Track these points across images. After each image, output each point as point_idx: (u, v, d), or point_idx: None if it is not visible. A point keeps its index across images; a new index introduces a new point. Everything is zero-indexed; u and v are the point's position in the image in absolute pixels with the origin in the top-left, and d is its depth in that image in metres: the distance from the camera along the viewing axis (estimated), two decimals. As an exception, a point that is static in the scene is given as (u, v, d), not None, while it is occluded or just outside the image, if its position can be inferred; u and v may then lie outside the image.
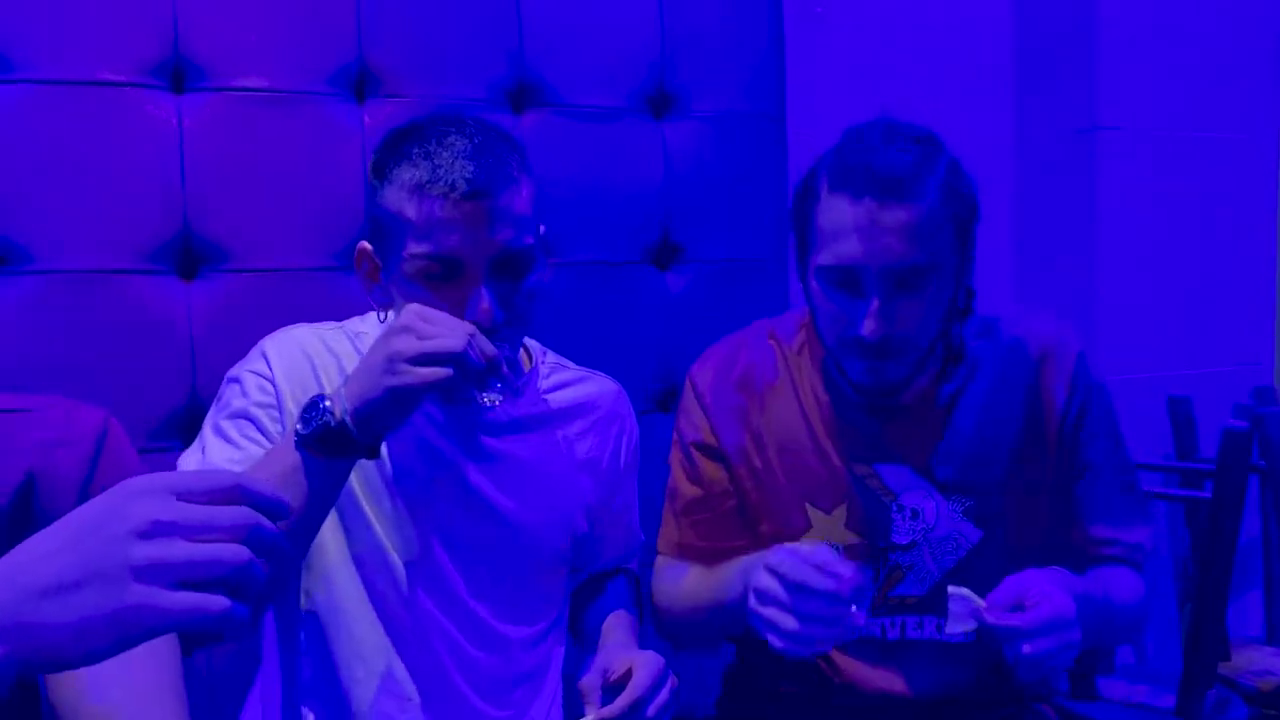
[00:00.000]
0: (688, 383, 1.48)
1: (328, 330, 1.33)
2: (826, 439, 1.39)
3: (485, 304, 1.17)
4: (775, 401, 1.42)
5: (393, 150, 1.21)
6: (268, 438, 1.24)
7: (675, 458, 1.49)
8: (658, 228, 1.87)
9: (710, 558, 1.42)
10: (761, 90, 1.94)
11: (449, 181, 1.15)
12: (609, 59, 1.82)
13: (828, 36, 1.98)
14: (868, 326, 1.25)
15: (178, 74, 1.58)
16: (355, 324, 1.35)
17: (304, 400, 1.17)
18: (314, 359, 1.28)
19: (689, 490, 1.45)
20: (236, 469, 1.19)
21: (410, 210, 1.17)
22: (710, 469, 1.44)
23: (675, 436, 1.50)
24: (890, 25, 2.06)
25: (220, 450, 1.22)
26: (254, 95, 1.62)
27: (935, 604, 1.36)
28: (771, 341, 1.45)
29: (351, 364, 1.24)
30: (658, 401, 1.89)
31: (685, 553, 1.46)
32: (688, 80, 1.88)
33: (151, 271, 1.56)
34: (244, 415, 1.24)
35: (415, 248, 1.17)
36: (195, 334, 1.58)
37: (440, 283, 1.18)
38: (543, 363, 1.41)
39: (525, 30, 1.77)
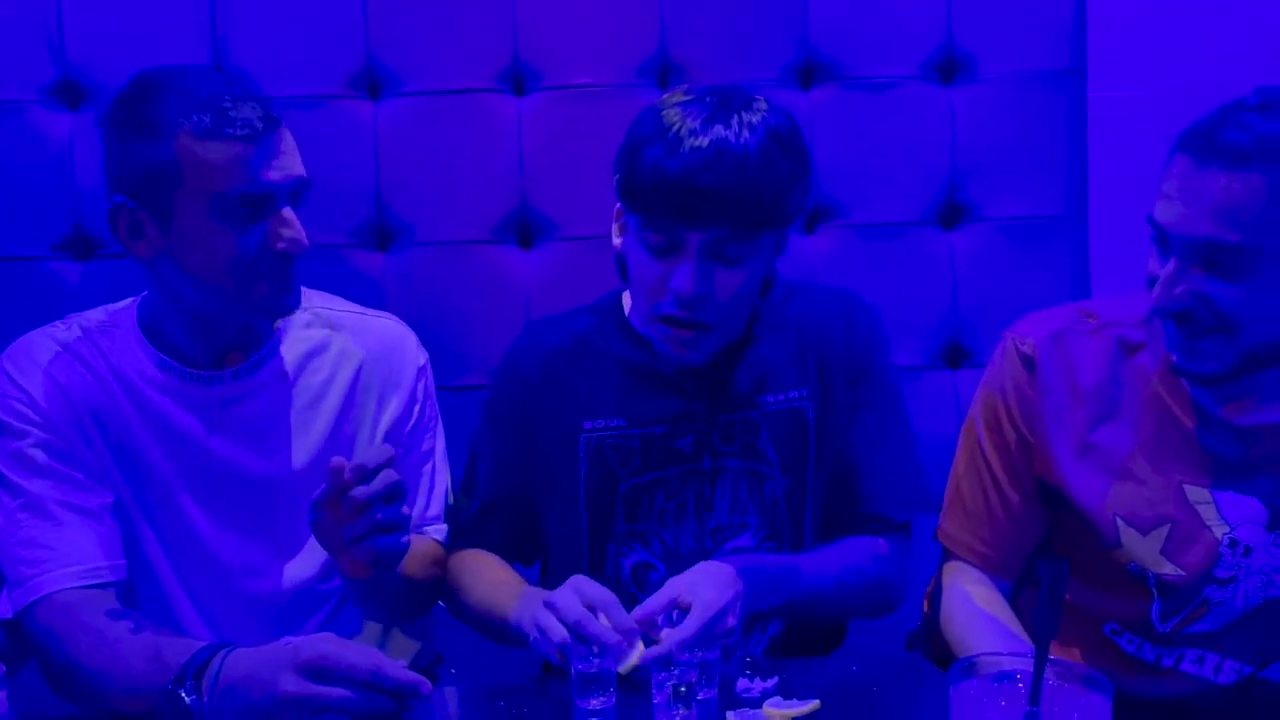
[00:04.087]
0: (1010, 345, 1.36)
1: (60, 330, 1.36)
2: (1157, 451, 1.29)
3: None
4: (1099, 400, 1.32)
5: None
6: (63, 464, 1.30)
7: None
8: (943, 189, 1.95)
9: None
10: (1060, 47, 1.93)
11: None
12: (894, 32, 1.92)
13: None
14: None
15: (518, 78, 1.93)
16: (92, 316, 1.38)
17: (59, 408, 1.29)
18: (51, 368, 1.32)
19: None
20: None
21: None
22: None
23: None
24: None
25: (32, 523, 1.27)
26: (581, 91, 1.93)
27: (1222, 642, 1.32)
28: (1097, 334, 1.34)
29: (89, 365, 1.32)
30: (943, 357, 1.99)
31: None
32: (978, 44, 1.93)
33: (497, 241, 1.95)
34: (23, 463, 1.29)
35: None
36: (530, 293, 1.94)
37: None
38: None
39: (811, 14, 1.92)
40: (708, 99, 1.30)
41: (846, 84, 1.93)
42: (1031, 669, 0.88)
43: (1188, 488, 1.29)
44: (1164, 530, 1.28)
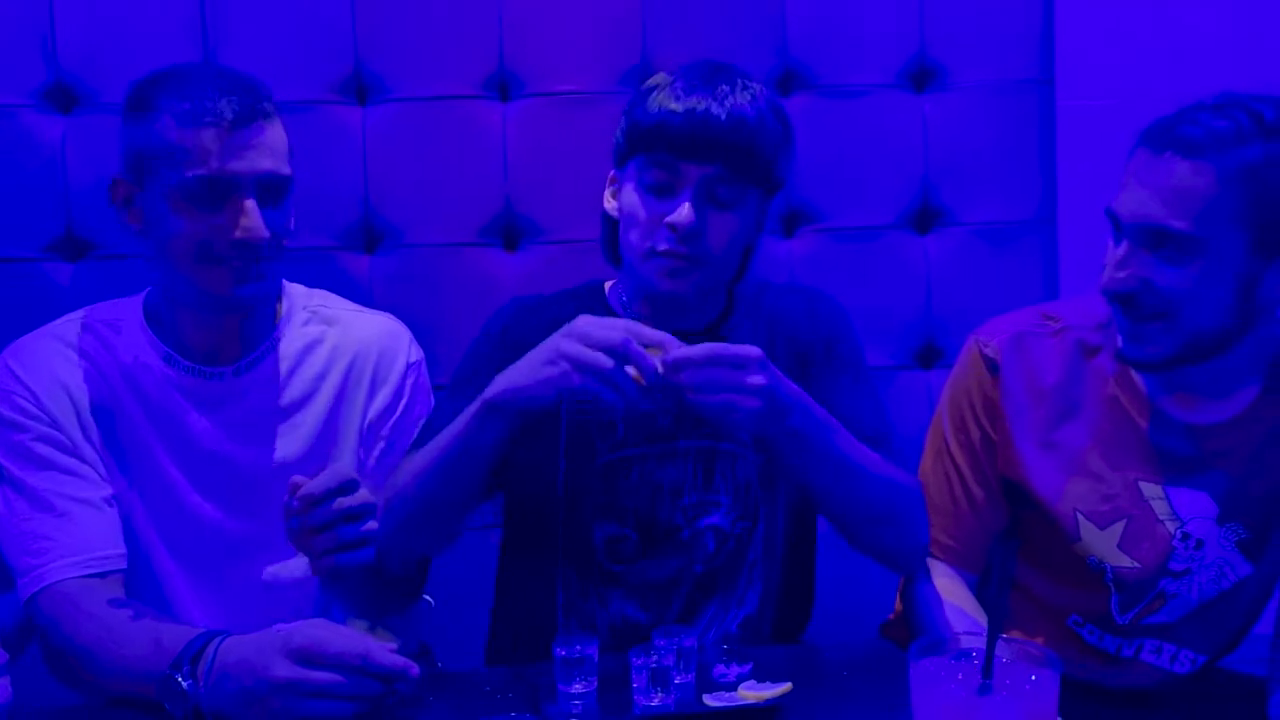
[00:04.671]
0: (974, 347, 1.42)
1: (63, 327, 1.40)
2: (1113, 449, 1.34)
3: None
4: (1059, 400, 1.37)
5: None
6: (64, 457, 1.34)
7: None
8: (918, 194, 2.01)
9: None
10: (1029, 57, 1.99)
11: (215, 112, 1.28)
12: (870, 42, 1.98)
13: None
14: None
15: (503, 85, 1.98)
16: (97, 311, 1.42)
17: (61, 403, 1.33)
18: (52, 364, 1.36)
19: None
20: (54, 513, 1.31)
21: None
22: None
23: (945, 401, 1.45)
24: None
25: (36, 515, 1.31)
26: (564, 98, 1.97)
27: (1179, 633, 1.37)
28: (1058, 336, 1.39)
29: (92, 359, 1.35)
30: (918, 357, 2.05)
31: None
32: (950, 54, 1.99)
33: (482, 244, 1.99)
34: (25, 457, 1.33)
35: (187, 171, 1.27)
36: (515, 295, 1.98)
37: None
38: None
39: (790, 24, 1.97)
40: (708, 67, 1.41)
41: (823, 92, 1.99)
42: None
43: (1142, 484, 1.34)
44: (1120, 525, 1.34)
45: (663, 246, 1.36)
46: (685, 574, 1.42)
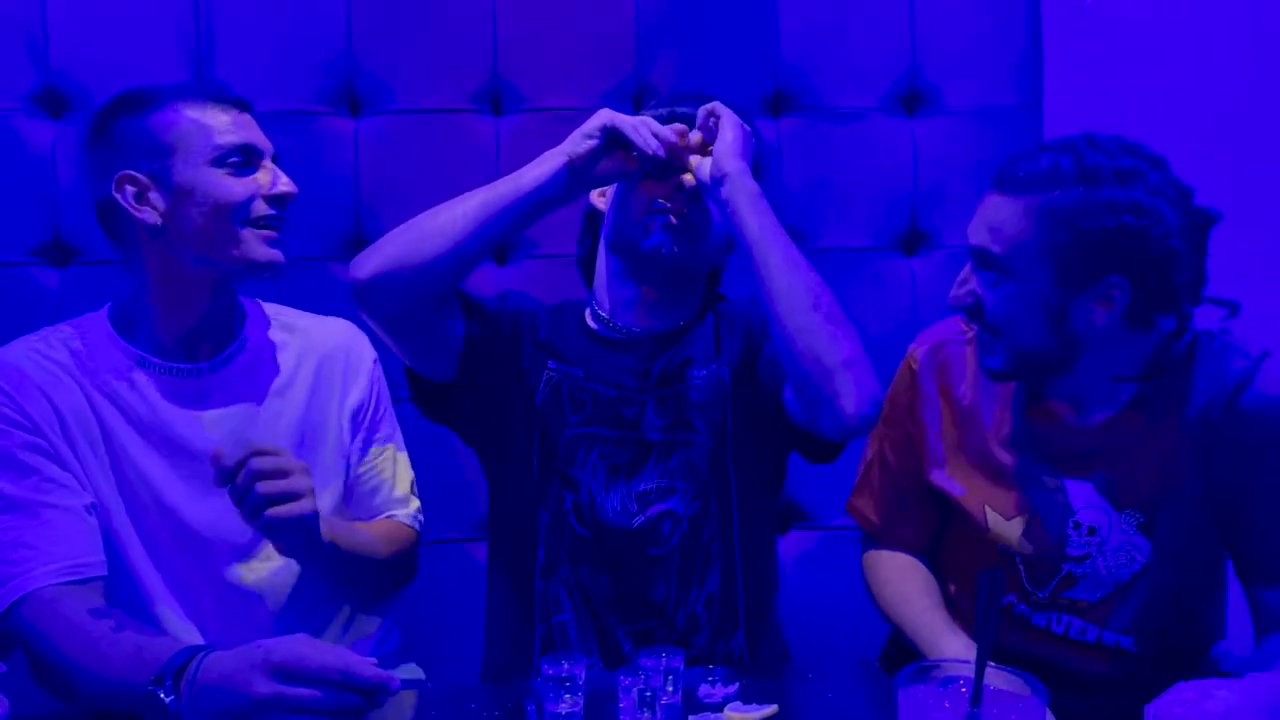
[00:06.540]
0: (907, 353, 1.57)
1: (35, 340, 1.41)
2: (1016, 447, 1.45)
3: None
4: (968, 403, 1.49)
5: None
6: (47, 464, 1.33)
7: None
8: (905, 216, 2.02)
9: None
10: (1017, 83, 2.01)
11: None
12: (861, 65, 2.00)
13: (1087, 26, 1.99)
14: None
15: (496, 99, 1.99)
16: (61, 328, 1.43)
17: (40, 410, 1.33)
18: (32, 373, 1.37)
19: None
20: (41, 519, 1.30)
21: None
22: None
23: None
24: (1153, 15, 2.02)
25: (17, 522, 1.30)
26: (557, 113, 1.98)
27: (1105, 614, 1.44)
28: (970, 344, 1.51)
29: (68, 371, 1.37)
30: (902, 376, 2.06)
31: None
32: (940, 78, 2.01)
33: (473, 258, 1.99)
34: (8, 464, 1.33)
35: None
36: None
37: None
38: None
39: (783, 45, 1.99)
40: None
41: (814, 114, 2.01)
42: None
43: (1045, 478, 1.44)
44: (1024, 518, 1.44)
45: (663, 205, 1.45)
46: (640, 557, 1.46)
